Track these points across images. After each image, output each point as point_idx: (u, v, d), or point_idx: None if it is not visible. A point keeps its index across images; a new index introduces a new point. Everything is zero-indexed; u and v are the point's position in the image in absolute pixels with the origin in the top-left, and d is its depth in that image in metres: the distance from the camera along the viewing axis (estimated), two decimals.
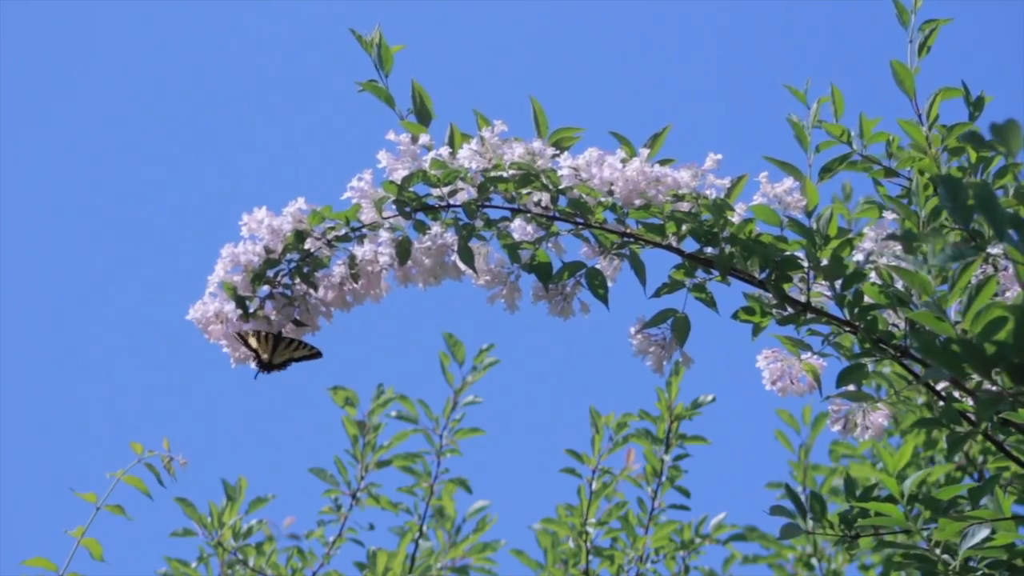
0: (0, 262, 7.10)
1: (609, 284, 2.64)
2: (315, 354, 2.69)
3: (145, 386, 7.22)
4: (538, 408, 6.90)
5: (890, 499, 2.54)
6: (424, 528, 4.54)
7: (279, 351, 2.66)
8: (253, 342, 2.64)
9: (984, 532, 2.47)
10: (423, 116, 2.67)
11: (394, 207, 2.61)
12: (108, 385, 7.24)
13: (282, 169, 7.26)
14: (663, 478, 4.29)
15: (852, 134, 2.68)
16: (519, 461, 6.70)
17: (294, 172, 7.14)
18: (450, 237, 2.62)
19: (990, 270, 2.53)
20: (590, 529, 4.23)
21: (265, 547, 4.40)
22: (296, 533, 4.73)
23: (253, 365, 2.67)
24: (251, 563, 4.34)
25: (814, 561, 4.66)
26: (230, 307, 2.64)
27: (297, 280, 2.64)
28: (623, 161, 2.59)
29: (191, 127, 7.47)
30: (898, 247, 2.53)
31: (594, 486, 4.24)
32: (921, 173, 2.60)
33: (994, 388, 2.23)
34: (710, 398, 4.26)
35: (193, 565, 4.35)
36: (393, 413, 4.54)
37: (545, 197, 2.60)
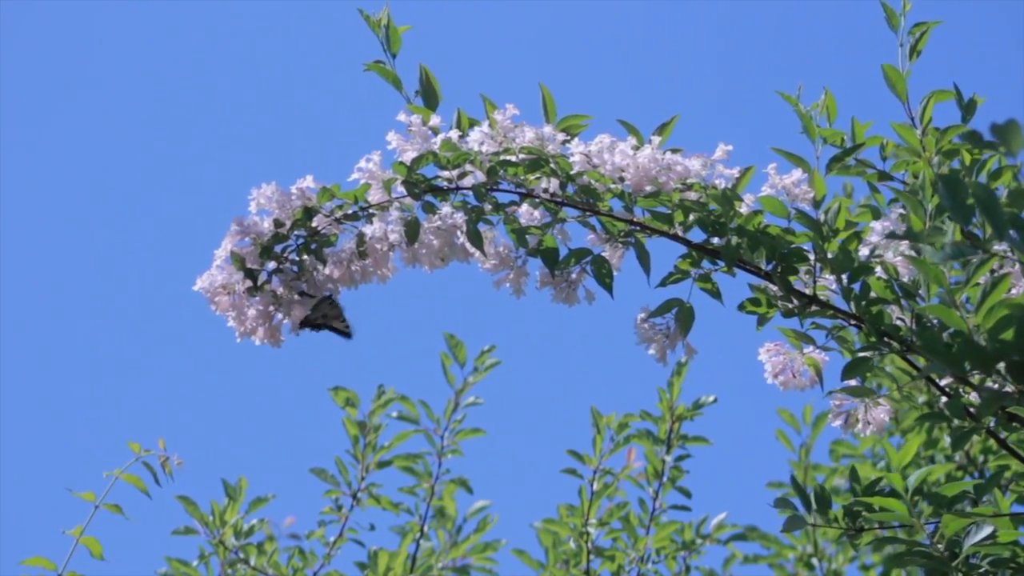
0: None
1: (614, 273, 2.63)
2: (346, 332, 2.69)
3: (144, 386, 7.22)
4: (539, 408, 6.90)
5: (893, 494, 2.53)
6: (425, 528, 4.53)
7: (320, 307, 2.65)
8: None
9: (987, 529, 2.47)
10: (431, 99, 2.66)
11: (402, 188, 2.60)
12: (107, 385, 7.24)
13: (286, 156, 7.25)
14: (664, 478, 4.28)
15: (845, 138, 2.68)
16: (520, 461, 6.70)
17: (298, 159, 7.13)
18: (460, 218, 2.61)
19: (995, 266, 2.53)
20: (591, 529, 4.22)
21: (266, 547, 4.40)
22: (297, 533, 4.73)
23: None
24: (252, 562, 4.33)
25: (815, 561, 4.65)
26: (238, 277, 2.63)
27: (304, 256, 2.64)
28: (634, 148, 2.59)
29: (195, 113, 7.47)
30: (904, 243, 2.53)
31: (595, 486, 4.23)
32: (916, 177, 2.60)
33: (996, 385, 2.23)
34: (711, 399, 4.25)
35: (194, 564, 4.35)
36: (394, 414, 4.54)
37: (554, 183, 2.60)
